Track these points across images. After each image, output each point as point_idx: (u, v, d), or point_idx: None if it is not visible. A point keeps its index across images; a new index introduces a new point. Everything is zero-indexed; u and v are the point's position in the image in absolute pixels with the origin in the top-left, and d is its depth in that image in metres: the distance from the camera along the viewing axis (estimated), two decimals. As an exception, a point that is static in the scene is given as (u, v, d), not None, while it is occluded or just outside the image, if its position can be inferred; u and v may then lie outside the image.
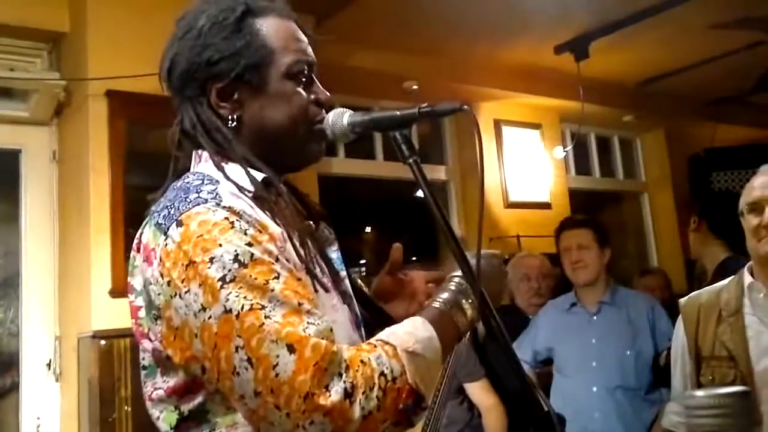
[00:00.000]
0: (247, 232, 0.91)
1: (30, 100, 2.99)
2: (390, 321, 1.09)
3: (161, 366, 0.98)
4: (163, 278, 0.92)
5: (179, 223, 0.93)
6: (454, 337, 1.01)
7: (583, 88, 4.26)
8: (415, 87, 4.14)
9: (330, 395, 0.83)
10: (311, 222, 1.09)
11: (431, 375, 0.93)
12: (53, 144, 3.09)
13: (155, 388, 0.99)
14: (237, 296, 0.87)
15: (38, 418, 2.88)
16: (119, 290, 2.64)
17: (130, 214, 2.73)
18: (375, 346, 0.91)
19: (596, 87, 4.52)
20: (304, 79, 1.09)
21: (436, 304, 1.03)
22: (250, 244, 0.90)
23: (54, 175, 3.07)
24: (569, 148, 4.98)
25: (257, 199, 0.99)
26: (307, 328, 0.86)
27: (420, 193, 1.03)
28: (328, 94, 1.12)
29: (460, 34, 3.86)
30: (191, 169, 1.07)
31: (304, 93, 1.09)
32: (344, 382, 0.84)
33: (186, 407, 0.96)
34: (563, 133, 5.10)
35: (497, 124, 4.62)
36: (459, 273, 1.05)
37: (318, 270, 1.00)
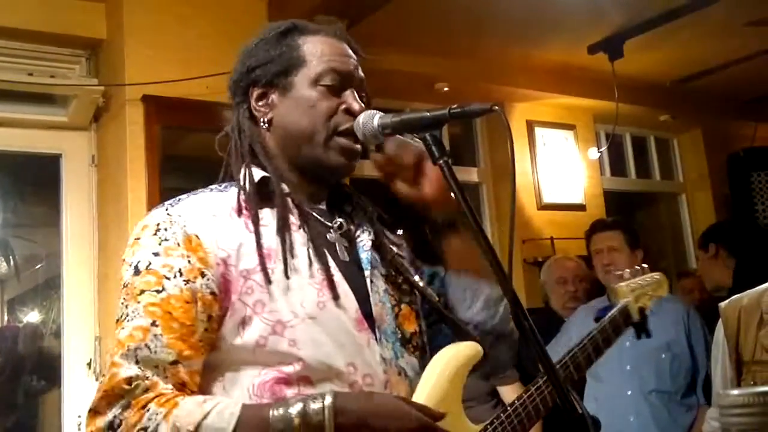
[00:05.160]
0: (163, 242, 1.00)
1: (69, 105, 3.07)
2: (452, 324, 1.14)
3: None
4: None
5: None
6: None
7: (618, 88, 4.20)
8: (446, 88, 4.14)
9: (104, 418, 0.91)
10: (328, 223, 1.12)
11: None
12: (92, 148, 3.16)
13: None
14: (122, 302, 0.99)
15: (79, 417, 2.94)
16: (156, 292, 2.68)
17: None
18: (177, 403, 0.91)
19: (631, 86, 4.45)
20: (334, 89, 1.12)
21: (276, 413, 0.91)
22: (156, 254, 0.99)
23: (93, 178, 3.14)
24: (604, 148, 4.91)
25: (252, 200, 1.05)
26: (127, 352, 0.93)
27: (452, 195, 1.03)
28: (363, 105, 1.13)
29: (491, 35, 3.84)
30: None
31: (331, 101, 1.11)
32: (115, 416, 0.91)
33: None
34: (597, 133, 5.03)
35: (530, 125, 4.58)
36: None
37: (300, 273, 1.02)
